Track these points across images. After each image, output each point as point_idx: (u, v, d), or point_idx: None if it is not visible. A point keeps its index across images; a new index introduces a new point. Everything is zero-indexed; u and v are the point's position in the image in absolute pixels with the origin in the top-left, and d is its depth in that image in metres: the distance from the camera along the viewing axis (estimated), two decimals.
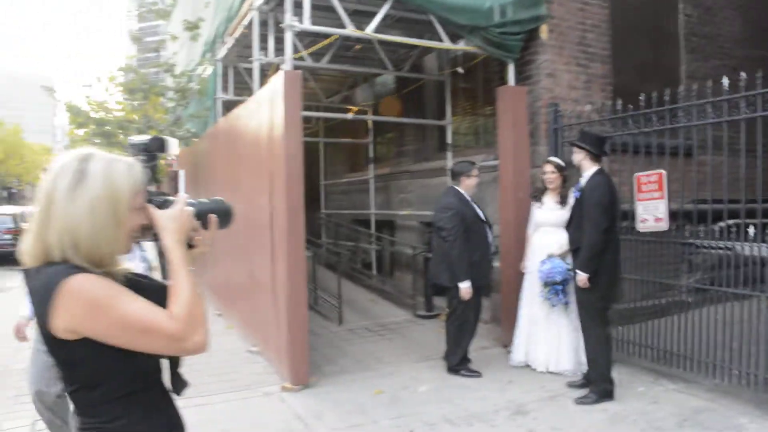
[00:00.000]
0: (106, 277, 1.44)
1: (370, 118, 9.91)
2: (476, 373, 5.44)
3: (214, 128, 8.58)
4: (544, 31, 6.37)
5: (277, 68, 6.58)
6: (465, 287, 5.29)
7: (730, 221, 4.79)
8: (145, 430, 1.53)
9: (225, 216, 1.69)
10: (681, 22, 7.82)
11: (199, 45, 10.05)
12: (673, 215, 5.30)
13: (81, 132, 14.06)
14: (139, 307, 1.41)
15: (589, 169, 4.94)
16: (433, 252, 5.69)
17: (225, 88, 8.75)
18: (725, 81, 4.64)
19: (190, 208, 1.58)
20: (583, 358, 5.27)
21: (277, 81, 5.34)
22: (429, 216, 8.48)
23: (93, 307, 1.37)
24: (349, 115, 8.96)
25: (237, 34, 7.17)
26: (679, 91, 5.28)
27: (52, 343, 1.43)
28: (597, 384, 4.76)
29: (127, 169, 1.49)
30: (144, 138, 1.63)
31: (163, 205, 1.57)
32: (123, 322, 1.39)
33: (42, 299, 1.39)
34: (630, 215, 5.56)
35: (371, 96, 10.70)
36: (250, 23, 6.66)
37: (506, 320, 6.26)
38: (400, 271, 9.67)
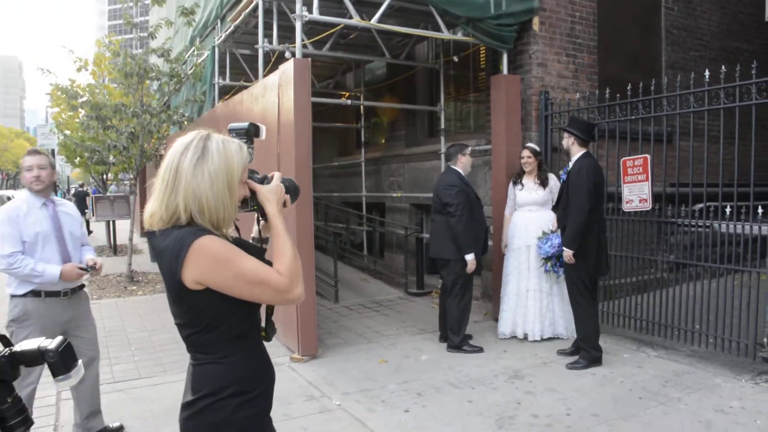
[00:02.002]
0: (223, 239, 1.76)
1: (364, 103, 10.17)
2: (478, 349, 5.71)
3: (212, 112, 8.77)
4: (536, 23, 6.73)
5: (279, 55, 6.82)
6: (471, 259, 5.63)
7: (709, 203, 5.23)
8: (249, 366, 1.83)
9: (295, 193, 2.01)
10: (663, 15, 8.24)
11: (190, 30, 10.20)
12: (655, 197, 5.72)
13: (65, 115, 14.16)
14: (253, 263, 1.72)
15: (577, 153, 5.31)
16: (433, 230, 5.94)
17: (222, 74, 8.95)
18: (707, 73, 5.05)
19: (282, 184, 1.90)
20: (570, 324, 5.82)
21: (286, 68, 5.60)
22: (421, 198, 8.84)
23: (218, 263, 1.67)
24: (346, 101, 9.20)
25: (239, 21, 7.38)
26: (662, 81, 5.67)
27: (181, 292, 1.72)
28: (586, 351, 5.17)
29: (238, 148, 1.79)
30: (244, 124, 1.92)
31: (263, 180, 1.88)
32: (241, 276, 1.69)
33: (174, 255, 1.68)
34: (616, 197, 5.97)
35: (363, 81, 10.97)
36: (254, 10, 6.88)
37: (497, 295, 6.63)
38: (391, 251, 10.01)
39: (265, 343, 1.96)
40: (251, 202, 1.87)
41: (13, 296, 3.56)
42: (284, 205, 1.93)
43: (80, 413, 3.86)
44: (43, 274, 3.48)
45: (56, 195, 4.06)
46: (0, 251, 3.43)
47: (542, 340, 5.90)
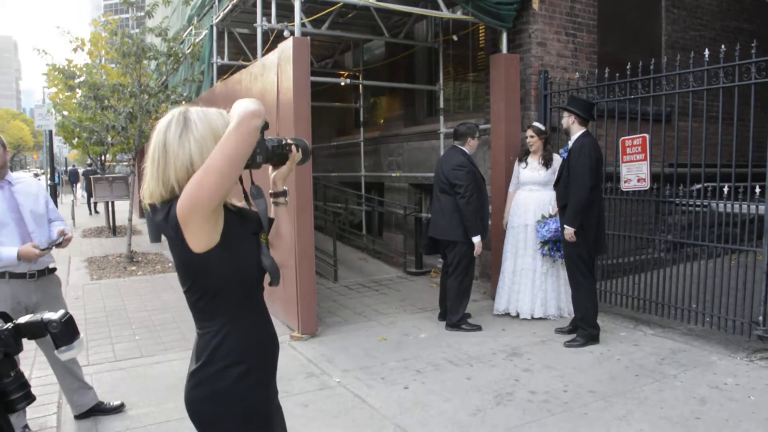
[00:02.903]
0: None
1: (362, 82, 10.14)
2: (477, 327, 5.76)
3: (210, 92, 8.74)
4: (535, 2, 6.70)
5: (278, 34, 6.79)
6: (478, 241, 5.65)
7: (707, 183, 5.25)
8: (253, 336, 1.85)
9: (305, 152, 2.00)
10: None
11: (188, 9, 10.13)
12: (653, 177, 5.74)
13: (63, 96, 14.09)
14: (218, 145, 1.62)
15: (577, 132, 5.32)
16: (438, 210, 5.89)
17: (220, 53, 8.91)
18: (706, 53, 5.04)
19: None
20: (563, 304, 5.99)
21: (285, 47, 5.59)
22: (420, 178, 8.86)
23: (194, 188, 1.59)
24: (346, 80, 9.18)
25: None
26: (662, 60, 5.67)
27: (188, 258, 1.72)
28: (584, 329, 5.22)
29: (218, 113, 1.80)
30: None
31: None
32: (209, 169, 1.59)
33: (176, 237, 1.69)
34: (614, 176, 5.99)
35: (362, 61, 10.92)
36: None
37: (495, 274, 6.68)
38: (390, 231, 10.04)
39: None
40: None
41: None
42: (299, 163, 1.95)
43: (65, 392, 3.91)
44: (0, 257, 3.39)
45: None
46: None
47: (533, 318, 5.97)
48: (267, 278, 1.89)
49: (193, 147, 1.71)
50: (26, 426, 3.64)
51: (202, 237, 1.69)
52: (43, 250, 3.51)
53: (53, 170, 16.93)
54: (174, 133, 1.73)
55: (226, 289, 1.78)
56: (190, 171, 1.69)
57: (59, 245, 3.61)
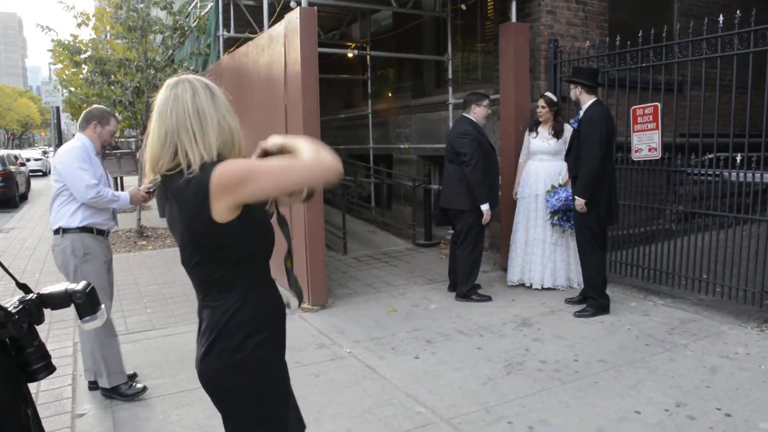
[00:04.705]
0: None
1: (370, 53, 10.05)
2: (487, 298, 5.78)
3: (217, 65, 8.69)
4: None
5: (284, 5, 6.72)
6: (487, 209, 5.63)
7: (719, 153, 5.18)
8: (264, 306, 1.86)
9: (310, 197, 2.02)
10: None
11: None
12: (665, 147, 5.67)
13: (69, 72, 14.03)
14: (275, 160, 1.69)
15: (587, 102, 5.25)
16: (446, 179, 5.89)
17: (226, 26, 8.83)
18: (721, 19, 4.94)
19: None
20: (572, 275, 5.99)
21: (292, 17, 5.53)
22: (429, 149, 8.81)
23: (245, 173, 1.65)
24: (353, 51, 9.09)
25: None
26: (674, 28, 5.56)
27: (206, 228, 1.71)
28: (594, 299, 5.22)
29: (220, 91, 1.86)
30: None
31: None
32: (271, 173, 1.65)
33: (199, 192, 1.67)
34: (625, 146, 5.93)
35: (369, 32, 10.81)
36: None
37: (505, 245, 6.66)
38: (399, 203, 10.02)
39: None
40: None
41: (66, 231, 3.68)
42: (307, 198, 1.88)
43: (97, 358, 3.94)
44: (119, 198, 3.79)
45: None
46: (87, 182, 3.62)
47: (543, 289, 5.98)
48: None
49: (225, 111, 1.80)
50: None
51: (229, 210, 1.70)
52: (148, 193, 3.99)
53: (61, 142, 16.95)
54: (205, 100, 1.77)
55: (249, 258, 1.80)
56: (230, 135, 1.79)
57: (153, 193, 4.08)
